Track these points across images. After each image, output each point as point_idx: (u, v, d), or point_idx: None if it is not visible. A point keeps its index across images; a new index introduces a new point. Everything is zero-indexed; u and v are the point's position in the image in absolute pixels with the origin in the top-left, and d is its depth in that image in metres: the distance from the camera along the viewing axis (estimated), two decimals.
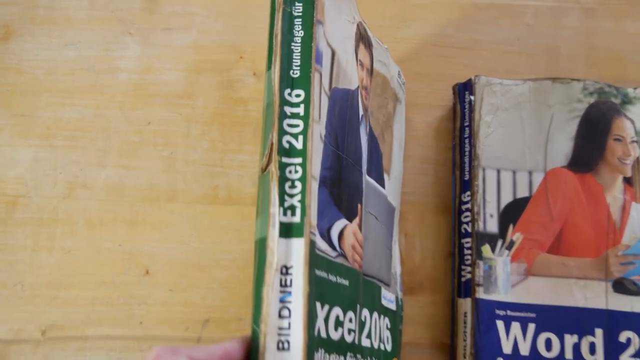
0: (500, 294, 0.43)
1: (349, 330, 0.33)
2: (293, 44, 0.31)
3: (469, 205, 0.46)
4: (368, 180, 0.39)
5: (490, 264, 0.44)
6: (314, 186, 0.30)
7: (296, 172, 0.29)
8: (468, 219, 0.45)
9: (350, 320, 0.33)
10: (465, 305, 0.44)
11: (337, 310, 0.31)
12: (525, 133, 0.47)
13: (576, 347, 0.42)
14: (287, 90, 0.31)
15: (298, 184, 0.29)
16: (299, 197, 0.29)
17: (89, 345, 0.46)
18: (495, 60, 0.52)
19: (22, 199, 0.50)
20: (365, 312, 0.36)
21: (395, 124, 0.46)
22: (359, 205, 0.36)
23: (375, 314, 0.38)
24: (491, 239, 0.45)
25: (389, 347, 0.40)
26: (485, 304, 0.43)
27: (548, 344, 0.42)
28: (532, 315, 0.43)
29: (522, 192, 0.46)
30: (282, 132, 0.30)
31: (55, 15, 0.54)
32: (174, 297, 0.47)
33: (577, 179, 0.45)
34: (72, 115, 0.51)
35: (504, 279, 0.44)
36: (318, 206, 0.31)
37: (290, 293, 0.27)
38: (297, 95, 0.31)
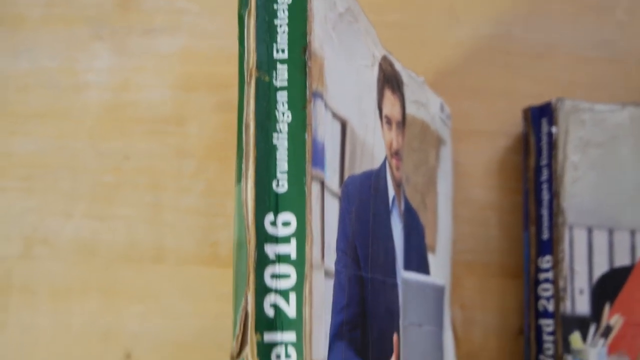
0: None
1: None
2: (276, 135, 0.20)
3: (549, 275, 0.35)
4: (406, 279, 0.28)
5: (581, 357, 0.33)
6: None
7: (288, 356, 0.19)
8: (549, 293, 0.34)
9: None
10: None
11: None
12: (626, 177, 0.35)
13: None
14: (269, 217, 0.20)
15: None
16: None
17: None
18: (576, 72, 0.40)
19: None
20: None
21: (440, 176, 0.35)
22: (395, 336, 0.26)
23: None
24: (581, 324, 0.34)
25: None
26: None
27: None
28: None
29: (622, 259, 0.34)
30: (262, 291, 0.19)
31: (2, 13, 0.41)
32: None
33: None
34: (27, 147, 0.40)
35: None
36: None
37: None
38: (286, 224, 0.20)
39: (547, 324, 0.34)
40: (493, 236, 0.38)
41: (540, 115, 0.37)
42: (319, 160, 0.21)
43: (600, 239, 0.35)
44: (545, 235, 0.35)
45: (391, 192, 0.28)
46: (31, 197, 0.39)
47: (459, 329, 0.37)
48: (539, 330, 0.35)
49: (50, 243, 0.39)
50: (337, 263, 0.22)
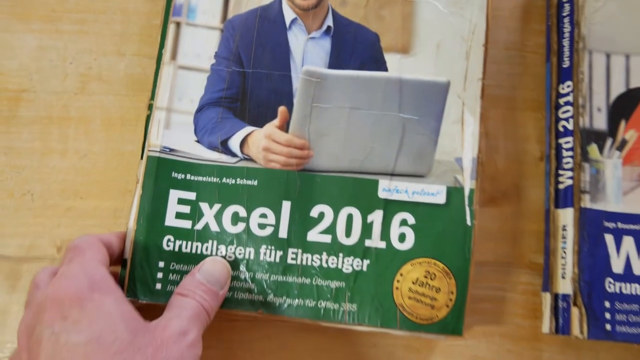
0: (609, 203, 0.36)
1: (263, 225, 0.36)
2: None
3: (569, 98, 0.37)
4: (330, 74, 0.37)
5: (597, 167, 0.36)
6: (160, 115, 0.37)
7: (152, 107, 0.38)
8: (568, 114, 0.37)
9: (264, 216, 0.36)
10: (565, 216, 0.36)
11: (235, 208, 0.36)
12: None
13: None
14: (163, 50, 0.38)
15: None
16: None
17: None
18: None
19: (26, 94, 0.42)
20: (321, 208, 0.36)
21: None
22: (282, 108, 0.37)
23: (352, 210, 0.36)
24: (599, 138, 0.36)
25: (403, 246, 0.35)
26: (591, 214, 0.35)
27: None
28: None
29: (638, 81, 0.37)
30: (155, 81, 0.38)
31: None
32: None
33: None
34: None
35: (615, 185, 0.36)
36: (206, 124, 0.37)
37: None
38: (161, 52, 0.38)
39: (567, 141, 0.37)
40: (516, 73, 0.41)
41: None
42: (177, 12, 0.38)
43: (618, 63, 0.37)
44: (566, 64, 0.38)
45: (290, 15, 0.38)
46: (86, 39, 0.42)
47: (484, 155, 0.40)
48: (558, 148, 0.38)
49: (104, 79, 0.42)
50: (215, 64, 0.38)
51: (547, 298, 0.37)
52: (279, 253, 0.36)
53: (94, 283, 0.31)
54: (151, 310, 0.33)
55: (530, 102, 0.41)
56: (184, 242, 0.36)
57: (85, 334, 0.29)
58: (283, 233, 0.36)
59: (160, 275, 0.35)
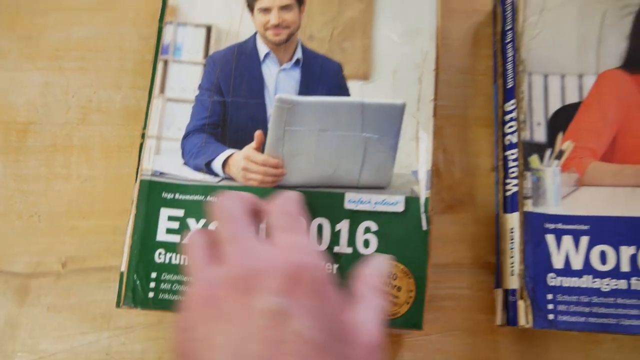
0: (549, 207, 0.40)
1: None
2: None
3: (513, 115, 0.42)
4: (300, 101, 0.41)
5: (538, 175, 0.41)
6: (150, 143, 0.42)
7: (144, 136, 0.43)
8: (513, 129, 0.42)
9: None
10: (512, 220, 0.41)
11: None
12: (575, 33, 0.43)
13: (633, 259, 0.39)
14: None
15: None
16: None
17: (112, 277, 0.44)
18: None
19: (33, 126, 0.47)
20: None
21: (380, 16, 0.44)
22: (258, 132, 0.42)
23: (322, 220, 0.40)
24: (539, 149, 0.41)
25: (368, 251, 0.40)
26: (533, 217, 0.40)
27: (603, 257, 0.39)
28: (585, 227, 0.40)
29: (572, 98, 0.42)
30: (147, 112, 0.43)
31: None
32: None
33: (633, 80, 0.41)
34: (82, 34, 0.48)
35: (554, 190, 0.40)
36: (191, 149, 0.42)
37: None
38: (152, 86, 0.44)
39: (512, 153, 0.42)
40: (469, 94, 0.46)
41: None
42: (164, 51, 0.44)
43: (554, 82, 0.42)
44: (510, 84, 0.43)
45: (263, 50, 0.44)
46: (86, 75, 0.47)
47: (442, 168, 0.45)
48: (505, 160, 0.42)
49: (103, 111, 0.47)
50: (199, 95, 0.43)
51: (499, 294, 0.41)
52: None
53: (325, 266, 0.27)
54: None
55: (482, 119, 0.45)
56: (174, 255, 0.40)
57: (312, 330, 0.24)
58: None
59: (152, 285, 0.40)
